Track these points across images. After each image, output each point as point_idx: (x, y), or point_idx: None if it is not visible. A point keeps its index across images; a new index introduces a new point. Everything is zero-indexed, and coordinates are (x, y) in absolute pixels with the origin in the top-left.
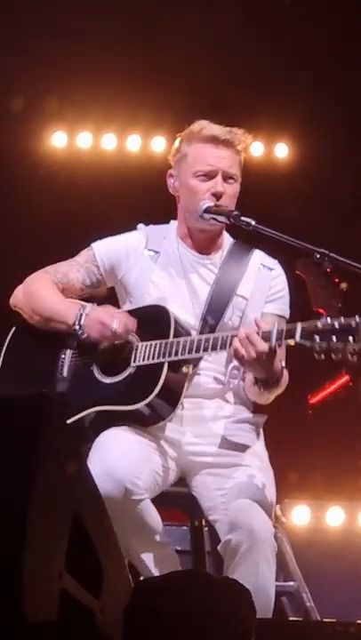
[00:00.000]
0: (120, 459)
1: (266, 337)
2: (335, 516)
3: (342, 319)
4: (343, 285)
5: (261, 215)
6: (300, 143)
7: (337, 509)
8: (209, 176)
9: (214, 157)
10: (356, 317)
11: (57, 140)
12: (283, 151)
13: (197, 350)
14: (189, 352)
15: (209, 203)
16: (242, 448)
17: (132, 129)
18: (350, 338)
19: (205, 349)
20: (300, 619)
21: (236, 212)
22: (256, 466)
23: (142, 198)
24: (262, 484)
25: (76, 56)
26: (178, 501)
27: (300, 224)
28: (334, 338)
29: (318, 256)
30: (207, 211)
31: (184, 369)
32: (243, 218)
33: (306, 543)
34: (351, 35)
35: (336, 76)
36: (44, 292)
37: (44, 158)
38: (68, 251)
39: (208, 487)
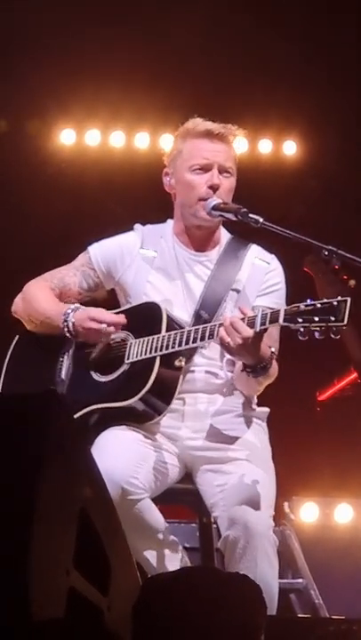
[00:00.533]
0: (116, 459)
1: (250, 322)
2: (344, 513)
3: (324, 299)
4: (352, 282)
5: (270, 212)
6: (309, 140)
7: (345, 506)
8: (205, 169)
9: (210, 151)
10: (339, 297)
11: (65, 137)
12: (291, 148)
13: (187, 342)
14: (179, 344)
15: (216, 200)
16: (240, 442)
17: (140, 126)
18: (332, 317)
19: (195, 340)
20: (308, 615)
21: (244, 210)
22: (252, 458)
23: (150, 195)
24: (259, 477)
25: (84, 53)
26: (185, 498)
27: (309, 221)
28: (316, 318)
29: (326, 253)
30: (215, 208)
31: (177, 362)
32: (251, 215)
33: (314, 540)
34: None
35: (345, 74)
36: (38, 298)
37: (53, 156)
38: (76, 248)
39: (209, 483)
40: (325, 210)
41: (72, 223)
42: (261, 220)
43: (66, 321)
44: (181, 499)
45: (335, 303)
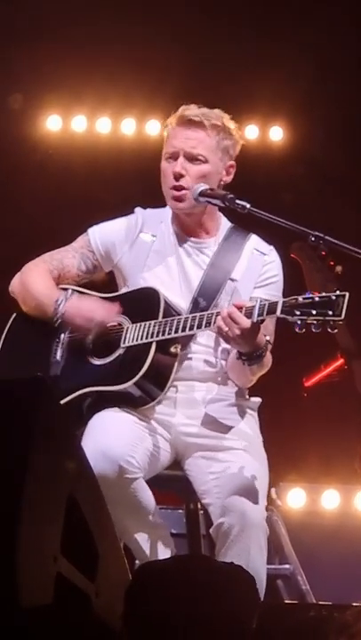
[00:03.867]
0: (114, 437)
1: (248, 313)
2: (331, 499)
3: (323, 293)
4: (338, 268)
5: (256, 198)
6: (296, 126)
7: (332, 492)
8: (173, 157)
9: (179, 139)
10: (337, 291)
11: (52, 123)
12: (278, 134)
13: (183, 329)
14: (176, 331)
15: (203, 186)
16: (235, 431)
17: (126, 112)
18: (329, 311)
19: (191, 328)
20: (295, 601)
21: (230, 196)
22: (249, 449)
23: (137, 181)
24: (255, 468)
25: (71, 40)
26: (173, 484)
27: (296, 207)
28: (314, 311)
29: (313, 239)
30: (202, 194)
31: (172, 349)
32: (238, 201)
33: (301, 526)
34: (348, 18)
35: (331, 59)
36: (33, 282)
37: (39, 142)
38: (64, 234)
39: (201, 470)
40: (312, 196)
41: (59, 209)
42: (248, 206)
43: (56, 310)
44: (170, 485)
45: (333, 297)
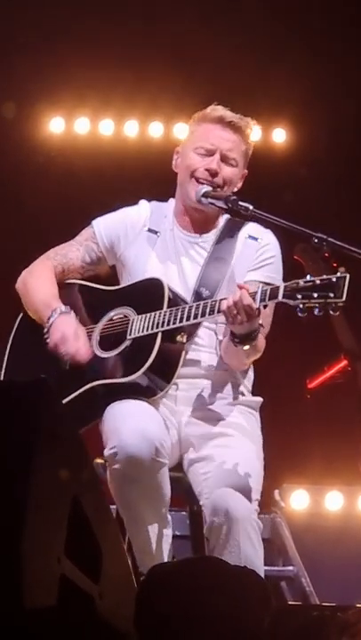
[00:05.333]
0: (150, 420)
1: (251, 297)
2: (334, 501)
3: (324, 276)
4: (341, 270)
5: (259, 200)
6: (298, 128)
7: (336, 494)
8: (208, 153)
9: (217, 137)
10: (338, 273)
11: (54, 125)
12: (281, 136)
13: (188, 318)
14: (181, 320)
15: (207, 187)
16: (232, 430)
17: (129, 115)
18: (331, 294)
19: (196, 316)
20: (299, 603)
21: (233, 197)
22: (243, 448)
23: (140, 184)
24: (246, 467)
25: (74, 41)
26: (177, 486)
27: (299, 209)
28: (315, 294)
29: (316, 241)
30: (205, 195)
31: (178, 338)
32: (241, 202)
33: (305, 528)
34: (351, 19)
35: (334, 61)
36: (34, 287)
37: (42, 144)
38: (67, 236)
39: (196, 473)
40: (315, 198)
41: (62, 211)
42: (251, 207)
43: (49, 320)
44: (174, 486)
45: (334, 280)
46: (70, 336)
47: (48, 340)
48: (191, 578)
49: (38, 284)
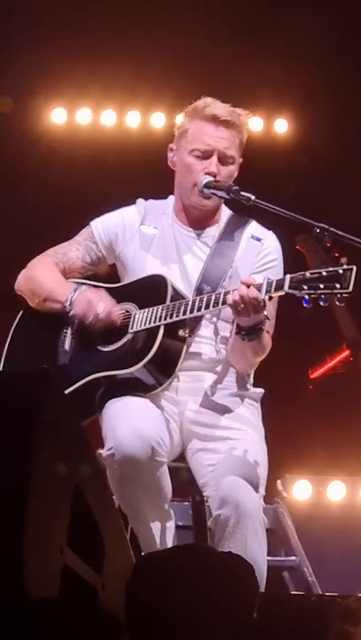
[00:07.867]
0: (147, 418)
1: (256, 289)
2: (336, 491)
3: (330, 267)
4: (343, 260)
5: (261, 190)
6: (300, 119)
7: (338, 484)
8: (205, 155)
9: (212, 137)
10: (344, 265)
11: (56, 116)
12: (282, 127)
13: (191, 311)
14: (183, 313)
15: (208, 177)
16: (236, 422)
17: (131, 105)
18: (337, 284)
19: (199, 309)
20: (301, 593)
21: (235, 187)
22: (248, 440)
23: (141, 174)
24: (253, 459)
25: (76, 32)
26: (180, 476)
27: (300, 199)
28: (322, 285)
29: (318, 231)
30: (207, 186)
31: (180, 332)
32: (242, 193)
33: (307, 518)
34: (352, 9)
35: (336, 51)
36: (43, 274)
37: (44, 135)
38: (68, 226)
39: (201, 464)
40: (317, 188)
41: (64, 202)
42: (253, 197)
43: (68, 299)
44: (176, 476)
45: (341, 271)
46: (96, 298)
47: (72, 314)
48: (179, 566)
49: (46, 272)
